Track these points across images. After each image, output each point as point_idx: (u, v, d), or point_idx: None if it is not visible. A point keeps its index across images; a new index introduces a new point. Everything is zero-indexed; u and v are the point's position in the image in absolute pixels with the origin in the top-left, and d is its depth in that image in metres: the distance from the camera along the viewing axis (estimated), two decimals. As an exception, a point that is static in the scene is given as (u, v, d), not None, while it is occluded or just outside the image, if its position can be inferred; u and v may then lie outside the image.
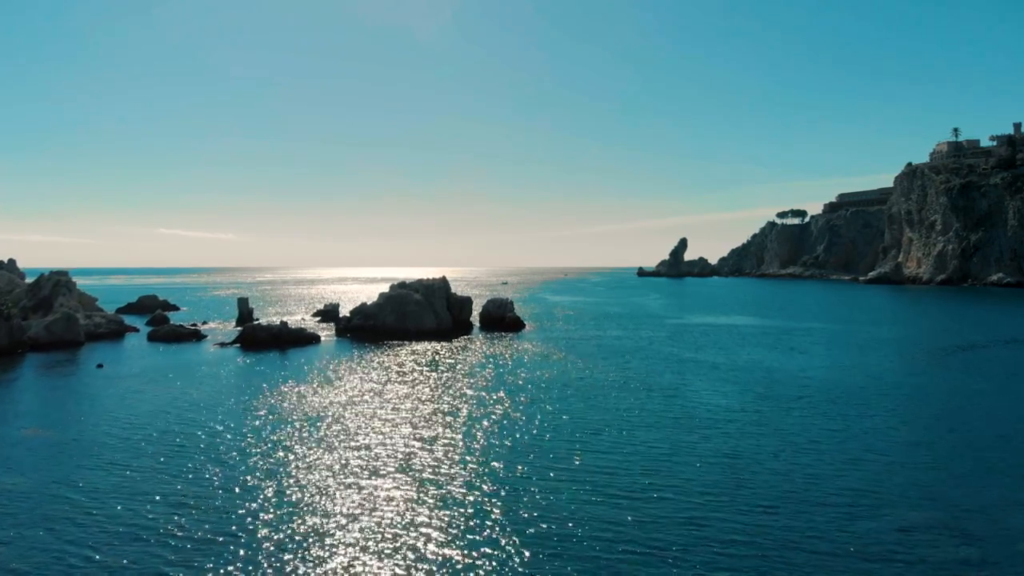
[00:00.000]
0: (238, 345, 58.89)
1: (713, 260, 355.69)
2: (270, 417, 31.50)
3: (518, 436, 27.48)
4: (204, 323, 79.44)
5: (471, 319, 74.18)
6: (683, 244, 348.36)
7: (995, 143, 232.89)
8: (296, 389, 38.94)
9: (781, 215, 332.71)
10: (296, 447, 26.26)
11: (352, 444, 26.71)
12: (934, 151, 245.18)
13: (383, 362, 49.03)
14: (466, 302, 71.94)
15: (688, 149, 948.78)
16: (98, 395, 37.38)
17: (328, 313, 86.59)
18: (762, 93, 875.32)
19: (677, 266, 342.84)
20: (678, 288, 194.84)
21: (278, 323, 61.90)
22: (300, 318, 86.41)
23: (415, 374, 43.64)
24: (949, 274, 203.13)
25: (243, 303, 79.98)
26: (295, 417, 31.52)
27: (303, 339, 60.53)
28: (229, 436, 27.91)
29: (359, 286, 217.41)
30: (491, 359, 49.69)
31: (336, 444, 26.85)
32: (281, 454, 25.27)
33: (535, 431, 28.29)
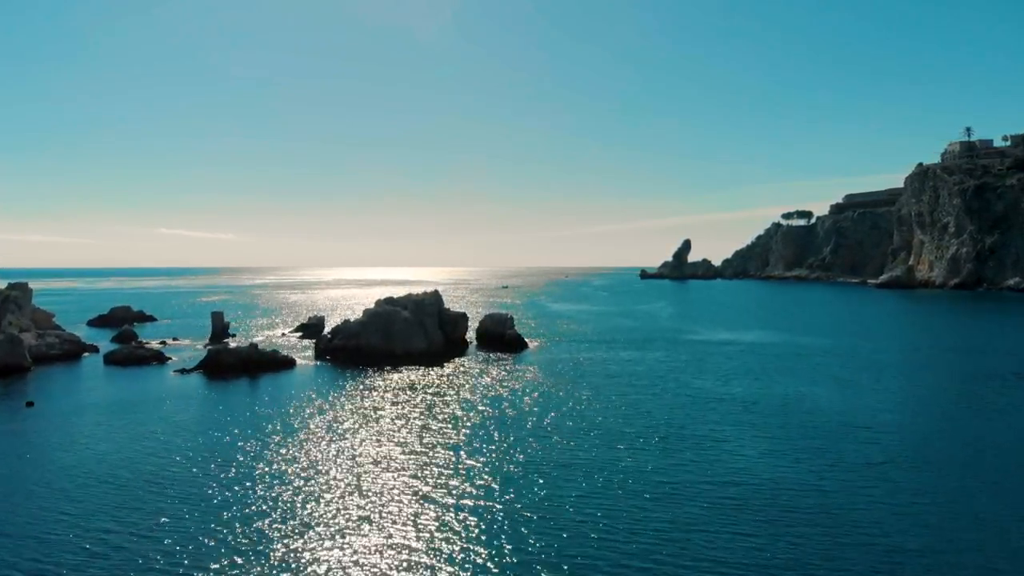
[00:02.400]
0: (201, 371, 52.09)
1: (714, 260, 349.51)
2: (216, 482, 24.72)
3: (508, 534, 20.70)
4: (174, 339, 72.71)
5: (467, 336, 67.40)
6: (687, 245, 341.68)
7: (1009, 143, 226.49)
8: (255, 436, 32.24)
9: (786, 216, 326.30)
10: (244, 521, 19.64)
11: (310, 509, 20.11)
12: (945, 151, 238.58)
13: (361, 396, 42.21)
14: (460, 318, 65.11)
15: (688, 149, 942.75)
16: (6, 453, 30.55)
17: (312, 328, 79.76)
18: (762, 93, 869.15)
19: (680, 268, 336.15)
20: (684, 293, 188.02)
21: (248, 345, 55.04)
22: (281, 333, 79.62)
23: (394, 414, 36.84)
24: (963, 278, 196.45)
25: (217, 318, 73.21)
26: (247, 479, 24.81)
27: (276, 363, 53.74)
28: (157, 521, 21.13)
29: (356, 290, 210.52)
30: (484, 393, 42.88)
31: (292, 509, 20.33)
32: (224, 534, 18.62)
33: (529, 521, 21.50)
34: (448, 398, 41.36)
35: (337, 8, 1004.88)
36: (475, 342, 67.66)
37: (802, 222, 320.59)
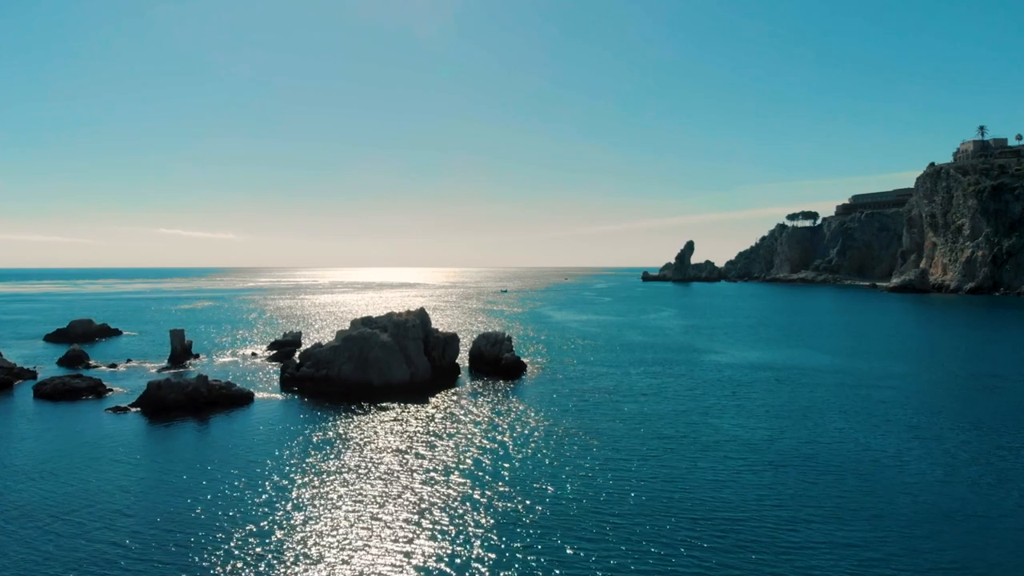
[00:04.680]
0: (139, 409, 43.74)
1: (716, 261, 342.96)
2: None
3: None
4: (128, 361, 64.30)
5: (458, 360, 59.03)
6: (690, 247, 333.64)
7: (1023, 142, 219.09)
8: (180, 509, 23.96)
9: (791, 217, 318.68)
10: None
11: None
12: (958, 151, 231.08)
13: (322, 447, 33.83)
14: (450, 341, 56.63)
15: (689, 148, 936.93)
16: None
17: (287, 346, 71.49)
18: (763, 92, 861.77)
19: (683, 270, 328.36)
20: (690, 299, 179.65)
21: (196, 376, 46.58)
22: (251, 352, 71.16)
23: (357, 478, 28.52)
24: (979, 282, 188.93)
25: (177, 337, 64.77)
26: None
27: (229, 400, 45.36)
28: None
29: (349, 296, 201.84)
30: (470, 445, 34.61)
31: None
32: None
33: None
34: (425, 456, 33.02)
35: (338, 8, 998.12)
36: (468, 365, 59.35)
37: (807, 223, 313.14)
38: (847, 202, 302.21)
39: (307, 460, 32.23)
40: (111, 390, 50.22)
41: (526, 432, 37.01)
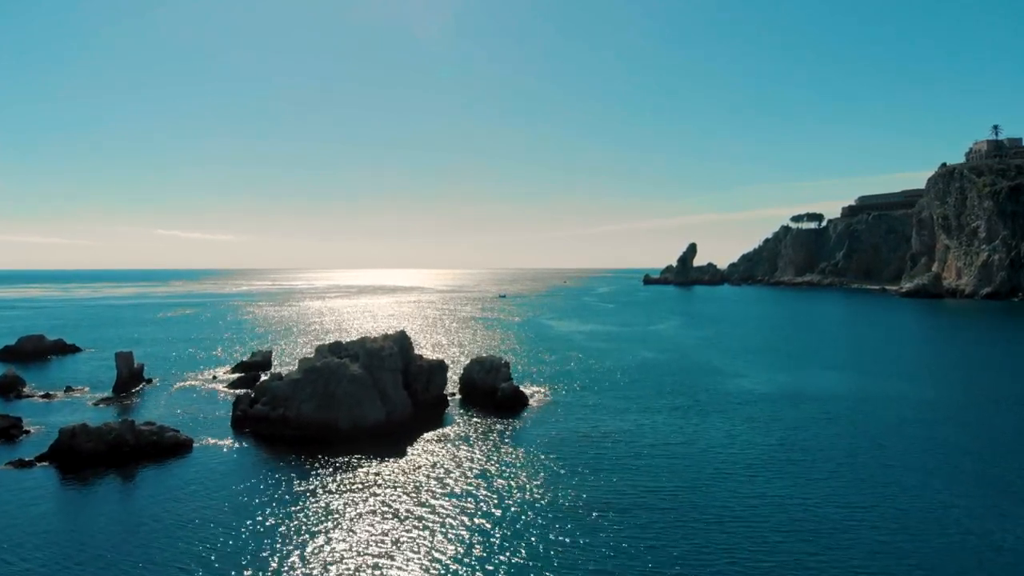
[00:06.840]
0: (50, 463, 35.37)
1: (717, 262, 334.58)
2: None
3: None
4: (68, 390, 55.83)
5: (447, 388, 50.70)
6: (692, 250, 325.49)
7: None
8: None
9: (796, 219, 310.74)
10: None
11: None
12: (971, 151, 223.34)
13: (268, 517, 25.48)
14: (436, 370, 48.21)
15: (690, 148, 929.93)
16: None
17: (254, 368, 63.20)
18: (765, 91, 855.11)
19: (686, 273, 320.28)
20: (696, 305, 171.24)
21: (121, 421, 38.06)
22: (212, 376, 62.64)
23: (311, 561, 20.33)
24: (996, 287, 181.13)
25: (124, 361, 56.28)
26: None
27: (161, 449, 37.00)
28: None
29: (342, 301, 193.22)
30: (457, 510, 26.29)
31: None
32: None
33: None
34: (395, 529, 24.68)
35: (337, 8, 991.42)
36: (458, 396, 50.98)
37: (812, 225, 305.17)
38: (853, 203, 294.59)
39: (243, 539, 23.91)
40: (28, 431, 41.83)
41: (525, 500, 28.74)
